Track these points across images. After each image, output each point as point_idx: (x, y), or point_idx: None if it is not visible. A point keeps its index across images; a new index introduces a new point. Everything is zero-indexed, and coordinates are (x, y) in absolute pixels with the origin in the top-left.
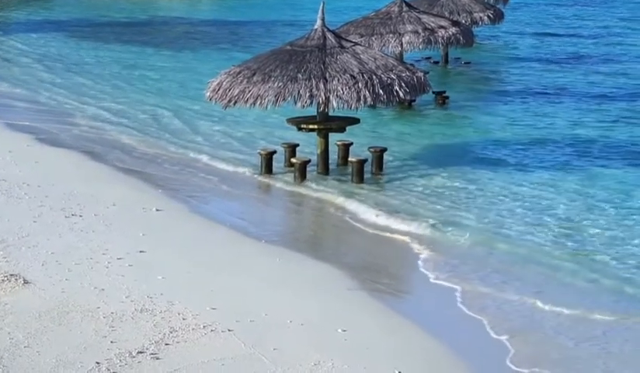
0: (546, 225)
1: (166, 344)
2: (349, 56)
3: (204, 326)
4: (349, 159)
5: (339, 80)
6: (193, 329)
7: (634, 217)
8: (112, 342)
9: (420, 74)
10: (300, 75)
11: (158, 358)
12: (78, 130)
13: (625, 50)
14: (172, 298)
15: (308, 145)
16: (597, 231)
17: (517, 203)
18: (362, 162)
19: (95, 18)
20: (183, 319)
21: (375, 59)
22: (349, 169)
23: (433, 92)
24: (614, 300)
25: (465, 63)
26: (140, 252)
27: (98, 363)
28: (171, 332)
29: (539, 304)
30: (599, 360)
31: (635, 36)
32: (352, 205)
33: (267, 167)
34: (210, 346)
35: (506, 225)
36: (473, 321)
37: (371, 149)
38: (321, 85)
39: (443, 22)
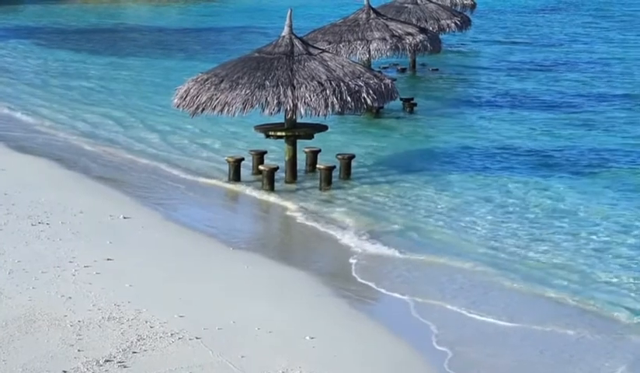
0: (512, 234)
1: (134, 352)
2: (317, 63)
3: (172, 334)
4: (317, 166)
5: (306, 87)
6: (160, 337)
7: (590, 227)
8: (79, 350)
9: (388, 81)
10: (267, 82)
11: (125, 367)
12: (45, 137)
13: (590, 58)
14: (140, 305)
15: (277, 152)
16: (554, 242)
17: (482, 210)
18: (330, 169)
19: (63, 25)
20: (151, 327)
21: (343, 66)
22: (318, 176)
23: (401, 99)
24: (556, 311)
25: (433, 70)
26: (108, 260)
27: (65, 372)
28: (138, 341)
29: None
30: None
31: (600, 43)
32: (320, 212)
33: (235, 174)
34: (177, 354)
35: (470, 233)
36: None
37: (339, 156)
38: (289, 92)
39: (411, 29)
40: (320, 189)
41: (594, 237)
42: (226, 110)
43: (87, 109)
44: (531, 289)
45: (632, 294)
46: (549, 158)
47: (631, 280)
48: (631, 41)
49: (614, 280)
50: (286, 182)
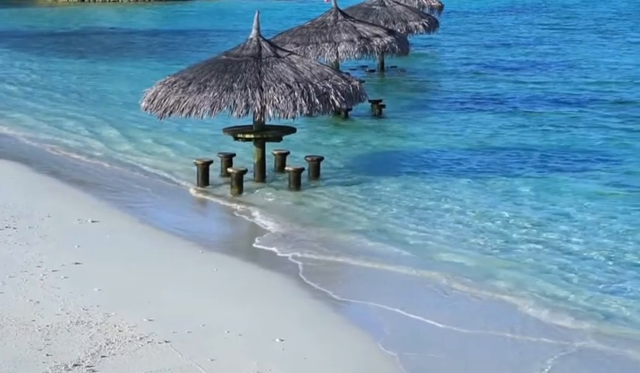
0: (473, 237)
1: (102, 356)
2: (285, 65)
3: (141, 338)
4: (286, 168)
5: (274, 89)
6: (129, 340)
7: (550, 229)
8: (47, 355)
9: (356, 83)
10: (235, 85)
11: (94, 371)
12: (11, 141)
13: (557, 59)
14: (109, 309)
15: (246, 155)
16: (515, 245)
17: (448, 212)
18: (299, 171)
19: (29, 28)
20: (120, 331)
21: (311, 68)
22: (286, 178)
23: (369, 101)
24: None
25: (401, 71)
26: (76, 263)
27: None
28: (107, 345)
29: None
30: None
31: (566, 44)
32: (288, 214)
33: (204, 177)
34: (147, 358)
35: (436, 234)
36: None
37: (308, 158)
38: (257, 95)
39: (379, 31)
40: (289, 191)
41: (555, 239)
42: (194, 113)
43: (54, 112)
44: (490, 293)
45: (574, 297)
46: (516, 159)
47: (580, 284)
48: (596, 42)
49: (564, 283)
50: (255, 183)
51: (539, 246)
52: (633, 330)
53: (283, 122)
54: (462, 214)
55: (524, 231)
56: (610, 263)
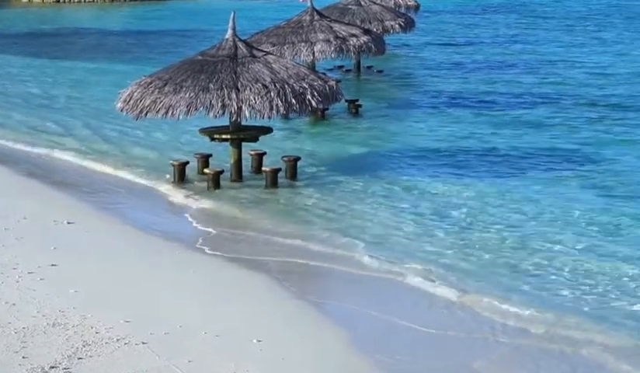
0: (445, 235)
1: (79, 359)
2: (261, 65)
3: (118, 340)
4: (263, 169)
5: (250, 89)
6: (106, 342)
7: (528, 229)
8: (24, 357)
9: (332, 82)
10: (211, 85)
11: None
12: None
13: (532, 58)
14: (85, 311)
15: (223, 155)
16: (487, 244)
17: (420, 213)
18: (275, 172)
19: (5, 29)
20: (96, 333)
21: (287, 68)
22: (263, 179)
23: (346, 101)
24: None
25: (377, 71)
26: (52, 265)
27: None
28: (84, 347)
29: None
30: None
31: (540, 43)
32: (265, 215)
33: (180, 178)
34: (124, 360)
35: (409, 234)
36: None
37: (285, 158)
38: (233, 95)
39: (355, 31)
40: (265, 191)
41: (524, 240)
42: (170, 113)
43: (29, 112)
44: (462, 296)
45: (528, 298)
46: (493, 158)
47: (539, 284)
48: (571, 41)
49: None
50: (232, 184)
51: (508, 247)
52: (580, 330)
53: (259, 122)
54: (434, 214)
55: (493, 231)
56: (567, 267)
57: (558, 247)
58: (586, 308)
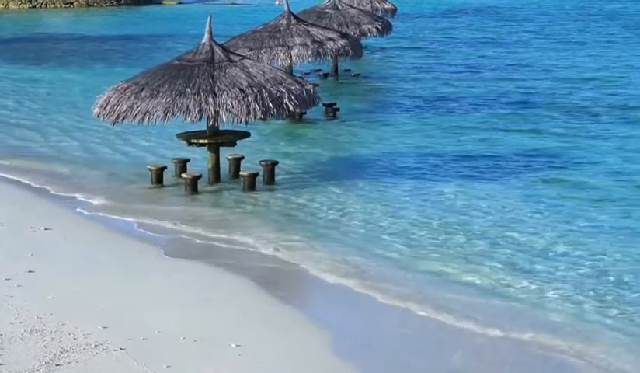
0: (423, 239)
1: (57, 365)
2: (238, 70)
3: (96, 346)
4: (241, 173)
5: (228, 94)
6: (84, 348)
7: (507, 231)
8: (1, 364)
9: (310, 86)
10: (188, 90)
11: None
12: None
13: (509, 61)
14: (63, 317)
15: (201, 160)
16: (466, 246)
17: (398, 216)
18: (253, 176)
19: None
20: (74, 339)
21: (264, 72)
22: (241, 183)
23: (323, 105)
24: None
25: (355, 75)
26: (29, 272)
27: None
28: (62, 353)
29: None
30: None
31: (516, 46)
32: (243, 219)
33: (157, 182)
34: (101, 366)
35: (381, 239)
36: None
37: (262, 163)
38: (210, 100)
39: (332, 35)
40: (243, 196)
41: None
42: (147, 119)
43: (4, 118)
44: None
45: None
46: (470, 161)
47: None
48: (545, 44)
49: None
50: (209, 188)
51: (482, 250)
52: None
53: (237, 127)
54: (412, 217)
55: (472, 234)
56: (521, 268)
57: (524, 247)
58: (552, 305)
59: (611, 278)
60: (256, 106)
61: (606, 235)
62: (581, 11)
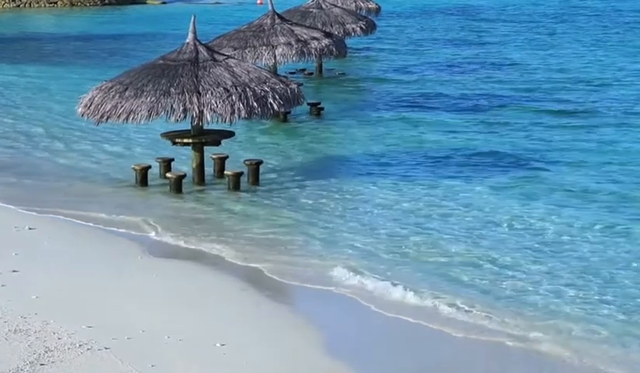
0: (408, 239)
1: (41, 365)
2: (222, 69)
3: (80, 345)
4: (225, 173)
5: (212, 93)
6: (68, 348)
7: (498, 231)
8: None
9: (294, 86)
10: (173, 89)
11: None
12: None
13: (493, 60)
14: (47, 317)
15: (186, 159)
16: (450, 247)
17: (382, 217)
18: (238, 175)
19: None
20: (59, 339)
21: (248, 72)
22: (226, 183)
23: (308, 104)
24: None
25: (339, 74)
26: (14, 271)
27: None
28: (46, 352)
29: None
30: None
31: (500, 45)
32: (228, 219)
33: (142, 182)
34: (86, 366)
35: (365, 240)
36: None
37: (247, 162)
38: (195, 99)
39: (316, 34)
40: (227, 195)
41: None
42: (131, 118)
43: None
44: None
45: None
46: (456, 160)
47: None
48: (530, 43)
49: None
50: (194, 188)
51: (465, 251)
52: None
53: (222, 126)
54: (397, 218)
55: (452, 236)
56: (504, 267)
57: (497, 247)
58: (531, 309)
59: (605, 275)
60: (241, 105)
61: (592, 233)
62: (563, 10)
